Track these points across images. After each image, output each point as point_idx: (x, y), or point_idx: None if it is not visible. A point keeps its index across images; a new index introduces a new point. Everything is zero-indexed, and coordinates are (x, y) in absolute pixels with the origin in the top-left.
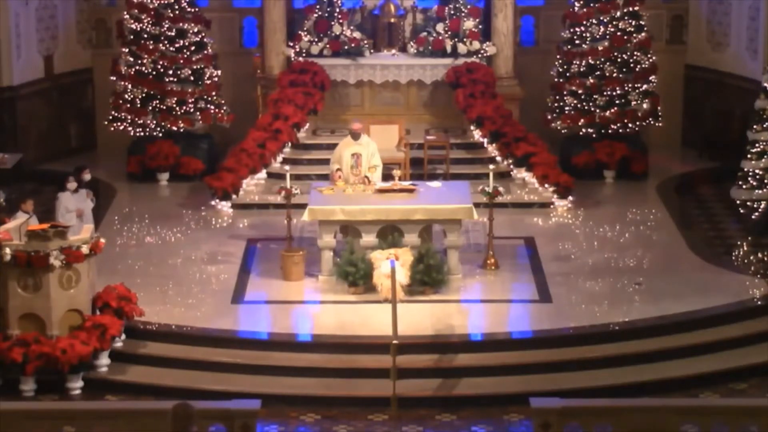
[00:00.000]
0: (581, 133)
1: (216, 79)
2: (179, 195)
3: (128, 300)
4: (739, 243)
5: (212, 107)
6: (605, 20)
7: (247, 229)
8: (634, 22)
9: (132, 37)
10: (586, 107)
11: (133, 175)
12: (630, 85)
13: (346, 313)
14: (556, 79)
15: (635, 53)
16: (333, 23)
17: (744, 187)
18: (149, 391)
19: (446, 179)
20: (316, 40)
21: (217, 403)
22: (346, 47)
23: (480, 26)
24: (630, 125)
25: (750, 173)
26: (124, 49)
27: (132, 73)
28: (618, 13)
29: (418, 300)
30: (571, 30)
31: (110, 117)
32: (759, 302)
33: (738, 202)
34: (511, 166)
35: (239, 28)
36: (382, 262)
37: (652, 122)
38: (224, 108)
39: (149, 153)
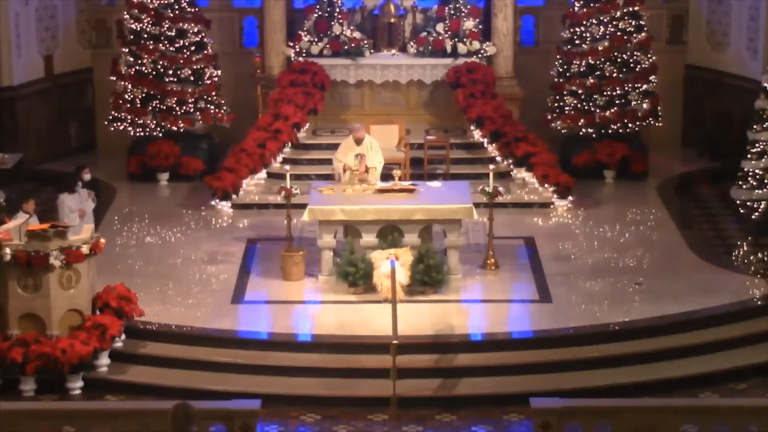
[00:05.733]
0: (581, 133)
1: (216, 79)
2: (179, 195)
3: (128, 300)
4: (739, 243)
5: (212, 107)
6: (605, 20)
7: (247, 229)
8: (634, 22)
9: (132, 37)
10: (586, 107)
11: (133, 175)
12: (630, 85)
13: (346, 313)
14: (556, 79)
15: (635, 53)
16: (333, 23)
17: (744, 187)
18: (149, 391)
19: (446, 179)
20: (316, 40)
21: (217, 403)
22: (346, 47)
23: (480, 26)
24: (630, 125)
25: (750, 173)
26: (124, 49)
27: (132, 73)
28: (618, 13)
29: (418, 300)
30: (571, 30)
31: (110, 117)
32: (759, 302)
33: (738, 202)
34: (511, 166)
35: (239, 28)
36: (382, 262)
37: (652, 122)
38: (224, 108)
39: (149, 153)
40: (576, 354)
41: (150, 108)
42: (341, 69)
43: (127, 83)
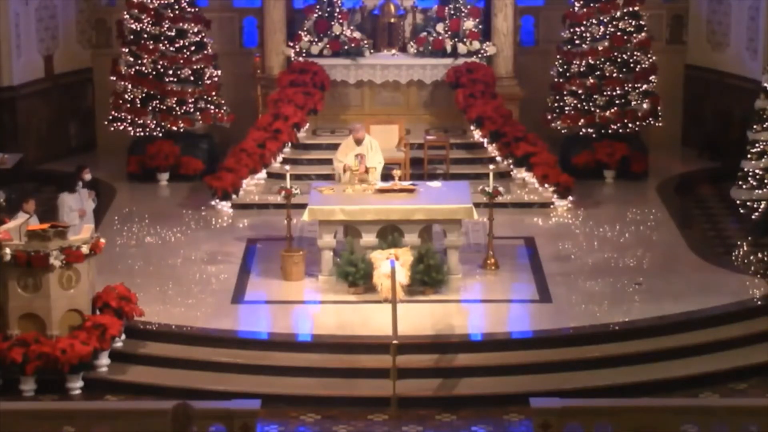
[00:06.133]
0: (581, 133)
1: (216, 79)
2: (179, 195)
3: (128, 300)
4: (739, 243)
5: (212, 107)
6: (605, 20)
7: (247, 229)
8: (634, 22)
9: (132, 37)
10: (586, 107)
11: (133, 175)
12: (630, 85)
13: (346, 313)
14: (556, 79)
15: (635, 53)
16: (333, 23)
17: (744, 187)
18: (149, 391)
19: (446, 179)
20: (316, 40)
21: (217, 403)
22: (346, 47)
23: (480, 26)
24: (630, 125)
25: (750, 173)
26: (124, 49)
27: (132, 73)
28: (618, 13)
29: (418, 300)
30: (571, 30)
31: (110, 117)
32: (759, 302)
33: (738, 202)
34: (511, 166)
35: (239, 28)
36: (382, 262)
37: (652, 122)
38: (224, 108)
39: (149, 153)
40: (576, 354)
41: (150, 108)
42: (341, 69)
43: (127, 83)
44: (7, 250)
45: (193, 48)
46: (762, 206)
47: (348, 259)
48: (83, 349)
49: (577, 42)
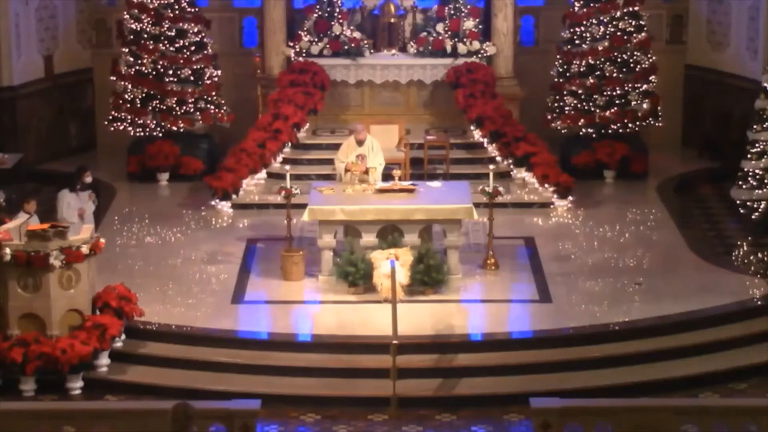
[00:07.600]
0: (581, 133)
1: (216, 79)
2: (179, 195)
3: (128, 300)
4: (739, 243)
5: (212, 107)
6: (605, 20)
7: (247, 229)
8: (634, 22)
9: (132, 37)
10: (586, 107)
11: (133, 175)
12: (630, 85)
13: (346, 313)
14: (556, 79)
15: (635, 53)
16: (333, 23)
17: (744, 187)
18: (149, 391)
19: (446, 179)
20: (316, 40)
21: (217, 403)
22: (346, 47)
23: (480, 26)
24: (630, 125)
25: (750, 173)
26: (124, 49)
27: (132, 73)
28: (618, 13)
29: (418, 300)
30: (571, 30)
31: (110, 117)
32: (759, 302)
33: (738, 202)
34: (511, 166)
35: (239, 28)
36: (382, 262)
37: (652, 122)
38: (224, 108)
39: (149, 153)
40: (576, 354)
41: (150, 108)
42: (341, 69)
43: (127, 83)
44: (7, 250)
45: (193, 48)
46: (762, 206)
47: (348, 259)
48: (83, 349)
49: (577, 42)
